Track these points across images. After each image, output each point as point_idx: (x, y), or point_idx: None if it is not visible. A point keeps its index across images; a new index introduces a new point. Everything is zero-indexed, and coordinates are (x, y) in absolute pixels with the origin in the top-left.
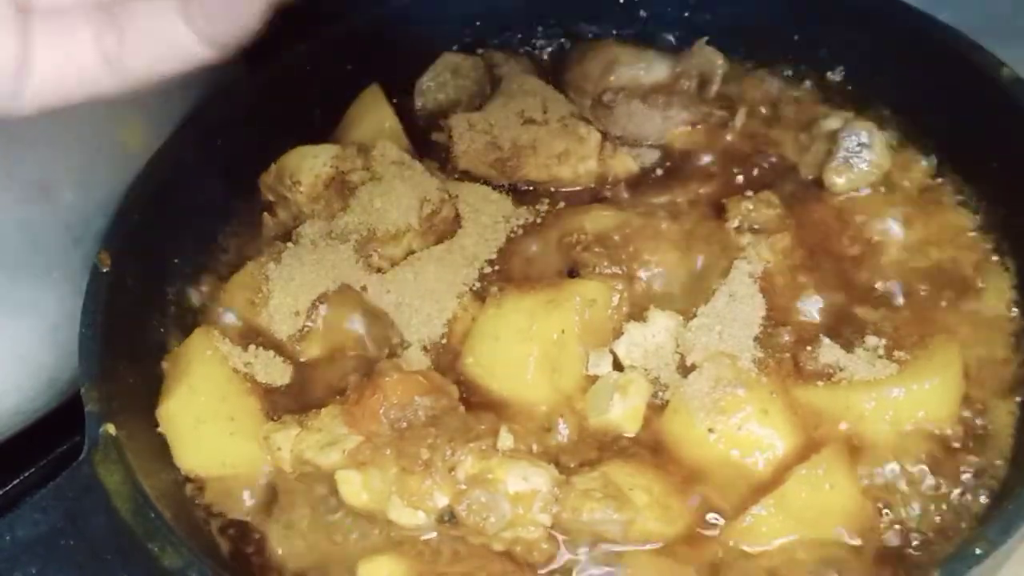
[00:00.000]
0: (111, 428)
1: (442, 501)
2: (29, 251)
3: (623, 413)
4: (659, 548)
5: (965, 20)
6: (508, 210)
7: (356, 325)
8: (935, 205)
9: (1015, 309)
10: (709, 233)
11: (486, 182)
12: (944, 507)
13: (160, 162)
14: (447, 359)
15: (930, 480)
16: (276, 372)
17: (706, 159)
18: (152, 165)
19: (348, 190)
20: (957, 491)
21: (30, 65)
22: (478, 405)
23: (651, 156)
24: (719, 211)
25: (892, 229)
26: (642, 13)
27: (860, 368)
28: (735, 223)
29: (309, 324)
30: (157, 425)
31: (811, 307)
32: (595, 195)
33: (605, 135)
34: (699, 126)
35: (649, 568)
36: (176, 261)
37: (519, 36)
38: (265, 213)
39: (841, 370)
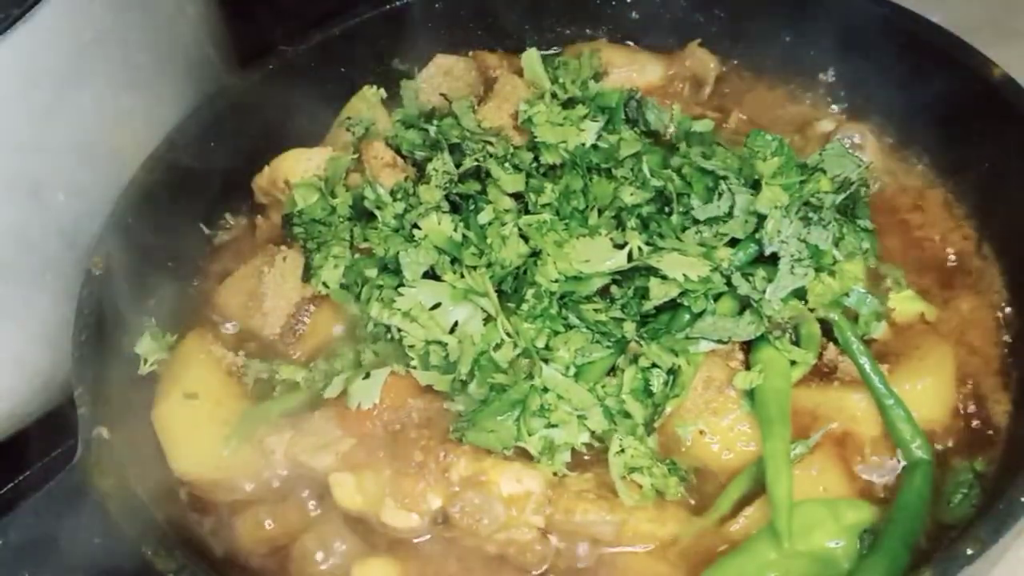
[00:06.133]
0: (104, 431)
1: (435, 503)
2: (22, 255)
3: None
4: (651, 549)
5: (956, 21)
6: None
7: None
8: (927, 204)
9: (1006, 308)
10: None
11: None
12: (936, 507)
13: (153, 165)
14: None
15: None
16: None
17: None
18: (145, 168)
19: None
20: (949, 491)
21: None
22: None
23: None
24: None
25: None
26: (634, 15)
27: (853, 368)
28: None
29: (302, 326)
30: (151, 428)
31: None
32: None
33: None
34: None
35: (642, 569)
36: (170, 264)
37: (513, 38)
38: (258, 216)
39: (834, 370)
